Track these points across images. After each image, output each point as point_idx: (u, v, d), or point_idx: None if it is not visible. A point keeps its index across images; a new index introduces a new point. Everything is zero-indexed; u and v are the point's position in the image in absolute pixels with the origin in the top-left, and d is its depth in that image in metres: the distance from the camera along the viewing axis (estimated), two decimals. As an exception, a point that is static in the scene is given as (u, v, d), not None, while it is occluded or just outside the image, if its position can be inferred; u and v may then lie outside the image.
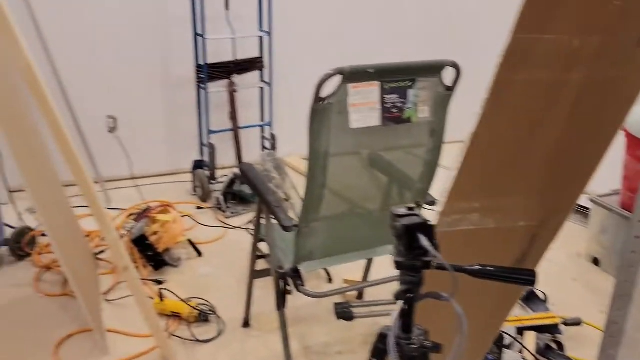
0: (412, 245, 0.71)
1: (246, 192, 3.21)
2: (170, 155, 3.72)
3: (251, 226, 2.98)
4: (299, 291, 1.83)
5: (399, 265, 0.73)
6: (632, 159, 2.51)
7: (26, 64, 1.64)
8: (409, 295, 0.75)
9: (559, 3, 0.86)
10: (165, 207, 2.83)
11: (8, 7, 1.63)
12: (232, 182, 3.25)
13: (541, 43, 0.88)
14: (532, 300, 2.38)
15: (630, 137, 2.48)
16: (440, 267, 0.70)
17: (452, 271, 0.69)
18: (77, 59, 3.28)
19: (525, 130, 1.01)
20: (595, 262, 2.75)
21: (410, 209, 0.73)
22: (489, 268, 0.76)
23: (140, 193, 3.32)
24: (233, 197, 3.27)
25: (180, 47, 3.44)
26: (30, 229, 2.68)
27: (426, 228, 0.72)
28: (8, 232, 2.63)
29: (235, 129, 3.30)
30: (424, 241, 0.69)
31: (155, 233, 2.60)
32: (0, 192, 2.56)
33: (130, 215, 2.94)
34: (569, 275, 2.68)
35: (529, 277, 0.85)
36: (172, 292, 2.37)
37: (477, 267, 0.76)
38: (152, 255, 2.55)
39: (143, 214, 2.68)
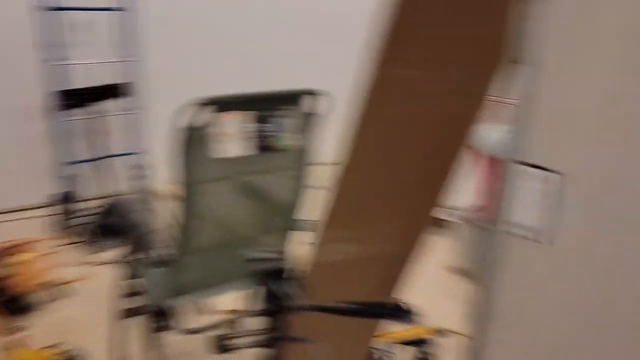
0: (270, 291, 0.68)
1: (114, 225, 3.04)
2: (25, 190, 3.42)
3: (121, 262, 2.82)
4: (173, 328, 1.76)
5: (258, 313, 0.71)
6: (493, 177, 2.73)
7: None
8: (273, 340, 0.73)
9: (412, 37, 0.91)
10: (21, 246, 2.60)
11: None
12: (97, 215, 3.07)
13: (399, 77, 0.92)
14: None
15: (491, 159, 2.70)
16: (300, 309, 0.68)
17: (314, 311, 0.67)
18: None
19: (385, 159, 1.05)
20: (461, 273, 2.94)
21: (266, 252, 0.70)
22: (353, 306, 0.76)
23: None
24: (99, 231, 3.08)
25: (25, 74, 3.18)
26: None
27: (281, 273, 0.70)
28: None
29: (98, 159, 3.13)
30: (278, 287, 0.67)
31: (9, 276, 2.37)
32: None
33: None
34: (437, 287, 2.83)
35: (398, 312, 0.85)
36: (27, 339, 2.16)
37: (341, 305, 0.75)
38: (6, 300, 2.32)
39: (-6, 256, 2.44)
